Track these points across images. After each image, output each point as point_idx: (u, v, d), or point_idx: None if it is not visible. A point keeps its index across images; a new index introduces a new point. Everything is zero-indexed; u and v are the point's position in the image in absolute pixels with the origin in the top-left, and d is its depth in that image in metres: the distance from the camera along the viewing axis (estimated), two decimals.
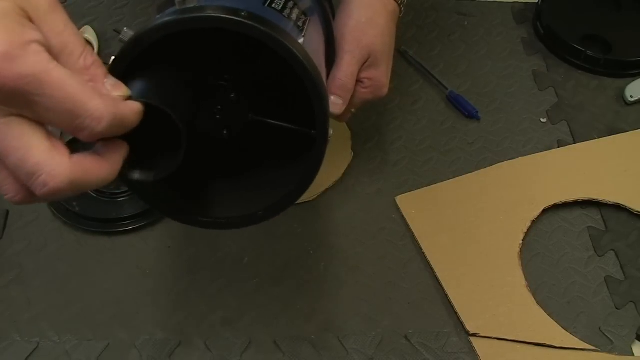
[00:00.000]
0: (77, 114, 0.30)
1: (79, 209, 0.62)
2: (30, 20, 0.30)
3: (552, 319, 0.59)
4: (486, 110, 0.76)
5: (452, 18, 0.87)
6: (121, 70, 0.35)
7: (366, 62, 0.56)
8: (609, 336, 0.58)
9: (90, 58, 0.33)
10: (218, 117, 0.42)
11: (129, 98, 0.34)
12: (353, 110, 0.59)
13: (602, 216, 0.67)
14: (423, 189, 0.68)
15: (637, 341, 0.59)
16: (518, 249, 0.63)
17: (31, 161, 0.30)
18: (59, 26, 0.32)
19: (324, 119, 0.40)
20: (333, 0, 0.56)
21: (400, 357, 0.56)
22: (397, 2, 0.59)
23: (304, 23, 0.44)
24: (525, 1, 0.89)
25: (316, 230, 0.65)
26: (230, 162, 0.45)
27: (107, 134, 0.32)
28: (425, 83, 0.79)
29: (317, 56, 0.46)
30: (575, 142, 0.73)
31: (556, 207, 0.67)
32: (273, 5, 0.42)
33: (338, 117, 0.59)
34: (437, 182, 0.69)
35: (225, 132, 0.43)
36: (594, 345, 0.57)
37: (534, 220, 0.65)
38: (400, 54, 0.81)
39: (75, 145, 0.33)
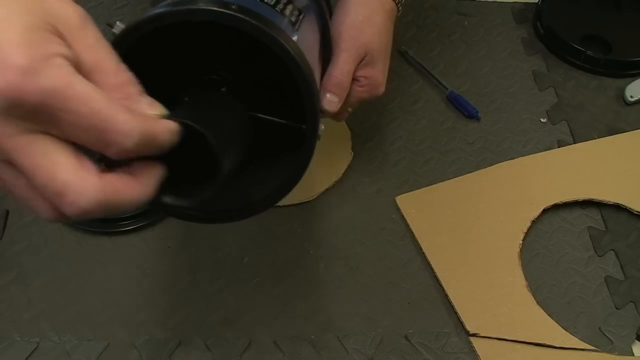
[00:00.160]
0: (104, 129, 0.29)
1: None
2: (61, 36, 0.29)
3: (552, 319, 0.59)
4: (486, 110, 0.76)
5: (452, 18, 0.87)
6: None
7: (363, 61, 0.56)
8: (609, 336, 0.58)
9: (124, 75, 0.32)
10: None
11: (167, 117, 0.32)
12: (350, 109, 0.59)
13: (602, 216, 0.67)
14: (423, 189, 0.68)
15: (637, 341, 0.59)
16: (518, 249, 0.63)
17: (58, 180, 0.29)
18: (90, 42, 0.31)
19: (313, 113, 0.40)
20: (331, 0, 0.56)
21: (400, 357, 0.56)
22: (395, 1, 0.59)
23: (297, 19, 0.44)
24: (525, 1, 0.89)
25: (316, 230, 0.65)
26: None
27: (138, 151, 0.31)
28: (425, 83, 0.79)
29: (311, 53, 0.46)
30: (575, 142, 0.73)
31: (556, 207, 0.67)
32: (266, 0, 0.42)
33: (335, 116, 0.59)
34: (437, 182, 0.69)
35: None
36: (594, 345, 0.57)
37: (534, 220, 0.65)
38: (400, 54, 0.81)
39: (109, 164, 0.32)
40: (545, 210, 0.66)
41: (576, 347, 0.57)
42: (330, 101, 0.53)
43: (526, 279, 0.61)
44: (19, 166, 0.30)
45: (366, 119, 0.74)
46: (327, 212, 0.66)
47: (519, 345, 0.57)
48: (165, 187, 0.34)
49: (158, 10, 0.36)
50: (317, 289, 0.61)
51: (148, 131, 0.30)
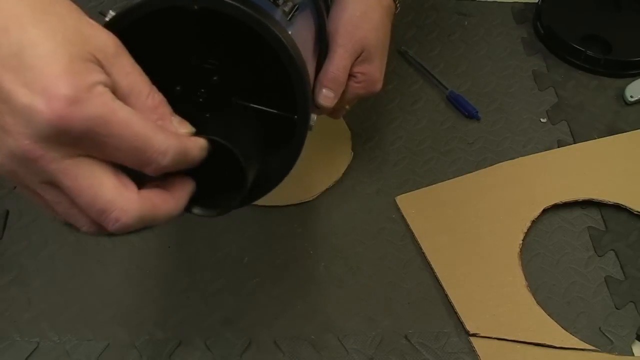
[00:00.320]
0: (144, 150, 0.32)
1: None
2: (99, 63, 0.31)
3: (552, 319, 0.59)
4: (486, 110, 0.76)
5: (452, 18, 0.87)
6: None
7: (359, 57, 0.56)
8: (609, 336, 0.58)
9: (157, 97, 0.34)
10: (201, 100, 0.42)
11: (195, 134, 0.35)
12: (347, 106, 0.59)
13: (602, 216, 0.67)
14: (423, 189, 0.68)
15: (637, 341, 0.59)
16: (518, 249, 0.63)
17: (102, 199, 0.32)
18: (127, 68, 0.33)
19: (304, 103, 0.40)
20: None
21: (400, 357, 0.56)
22: None
23: (291, 10, 0.44)
24: (525, 1, 0.89)
25: (316, 230, 0.65)
26: None
27: (172, 167, 0.33)
28: (425, 83, 0.79)
29: (305, 47, 0.46)
30: (575, 142, 0.73)
31: (556, 207, 0.67)
32: None
33: (331, 113, 0.59)
34: (437, 182, 0.69)
35: (208, 115, 0.42)
36: (594, 345, 0.57)
37: (534, 220, 0.65)
38: (400, 54, 0.81)
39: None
40: (545, 210, 0.66)
41: (576, 347, 0.57)
42: (326, 96, 0.53)
43: (526, 279, 0.61)
44: (63, 187, 0.32)
45: (366, 119, 0.74)
46: (327, 212, 0.66)
47: (519, 345, 0.57)
48: (196, 200, 0.37)
49: None
50: (317, 289, 0.61)
51: (181, 148, 0.33)
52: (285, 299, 0.60)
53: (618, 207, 0.67)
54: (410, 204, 0.67)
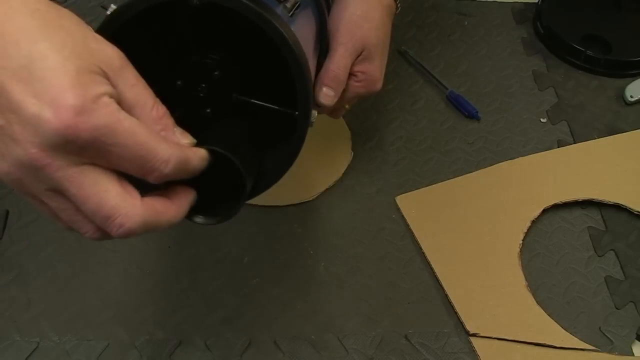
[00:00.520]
0: (147, 159, 0.33)
1: None
2: (106, 76, 0.32)
3: (552, 319, 0.59)
4: (486, 110, 0.76)
5: (452, 18, 0.87)
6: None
7: (360, 56, 0.56)
8: (609, 336, 0.58)
9: (161, 109, 0.35)
10: (202, 95, 0.42)
11: (196, 145, 0.36)
12: (347, 106, 0.59)
13: (602, 216, 0.67)
14: (423, 189, 0.68)
15: (637, 341, 0.59)
16: (518, 249, 0.63)
17: (107, 206, 0.33)
18: (131, 80, 0.34)
19: (305, 98, 0.41)
20: None
21: (400, 357, 0.56)
22: None
23: (293, 6, 0.44)
24: (525, 1, 0.89)
25: (316, 230, 0.65)
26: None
27: (174, 176, 0.34)
28: (425, 83, 0.79)
29: (306, 45, 0.46)
30: (575, 142, 0.73)
31: (556, 207, 0.67)
32: None
33: (332, 113, 0.59)
34: (437, 182, 0.69)
35: (208, 110, 0.43)
36: (594, 345, 0.57)
37: (534, 220, 0.65)
38: (400, 54, 0.81)
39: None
40: (545, 210, 0.66)
41: (576, 347, 0.57)
42: (327, 95, 0.54)
43: (526, 279, 0.61)
44: (68, 195, 0.33)
45: (366, 119, 0.74)
46: (327, 212, 0.66)
47: (519, 345, 0.57)
48: (197, 208, 0.38)
49: None
50: (317, 289, 0.61)
51: (183, 158, 0.34)
52: (285, 299, 0.60)
53: (618, 207, 0.67)
54: (410, 204, 0.67)
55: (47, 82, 0.30)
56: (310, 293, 0.60)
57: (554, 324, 0.58)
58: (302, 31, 0.46)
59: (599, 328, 0.59)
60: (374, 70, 0.57)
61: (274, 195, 0.65)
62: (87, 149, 0.31)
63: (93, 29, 0.35)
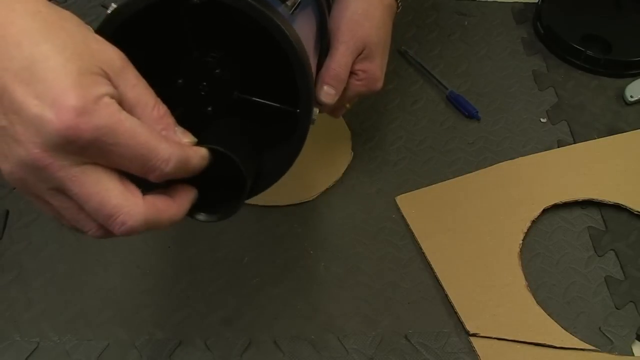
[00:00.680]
0: (148, 158, 0.33)
1: None
2: (107, 76, 0.33)
3: (552, 319, 0.59)
4: (486, 110, 0.76)
5: (452, 18, 0.87)
6: (105, 38, 0.36)
7: (361, 55, 0.56)
8: (609, 336, 0.58)
9: (162, 109, 0.35)
10: (203, 93, 0.42)
11: (196, 144, 0.37)
12: (348, 105, 0.59)
13: (602, 216, 0.67)
14: (423, 189, 0.68)
15: (637, 341, 0.59)
16: (518, 249, 0.63)
17: (109, 204, 0.33)
18: (132, 81, 0.34)
19: (307, 95, 0.41)
20: None
21: (400, 357, 0.56)
22: None
23: (293, 4, 0.45)
24: (525, 1, 0.89)
25: (316, 230, 0.65)
26: None
27: (175, 174, 0.35)
28: (425, 83, 0.79)
29: (306, 44, 0.46)
30: (575, 142, 0.73)
31: (556, 207, 0.67)
32: None
33: (332, 112, 0.59)
34: (437, 182, 0.69)
35: (209, 108, 0.43)
36: (594, 345, 0.57)
37: (534, 220, 0.65)
38: (400, 54, 0.81)
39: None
40: (545, 210, 0.66)
41: (576, 347, 0.57)
42: (327, 93, 0.54)
43: (526, 279, 0.61)
44: (71, 194, 0.33)
45: (366, 119, 0.74)
46: (327, 212, 0.66)
47: (519, 345, 0.57)
48: (198, 206, 0.38)
49: None
50: (317, 289, 0.61)
51: (183, 157, 0.35)
52: (285, 299, 0.60)
53: (618, 207, 0.67)
54: (410, 204, 0.67)
55: (48, 83, 0.31)
56: (310, 293, 0.60)
57: (554, 324, 0.58)
58: (303, 30, 0.46)
59: (599, 328, 0.59)
60: (375, 69, 0.58)
61: (274, 195, 0.65)
62: (89, 148, 0.32)
63: (93, 29, 0.35)
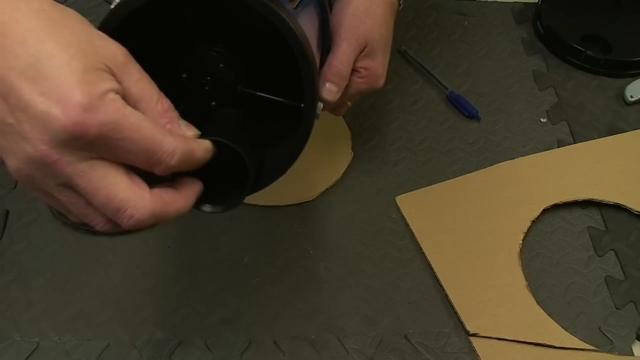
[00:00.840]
0: (153, 151, 0.34)
1: None
2: (111, 72, 0.33)
3: (552, 319, 0.59)
4: (486, 110, 0.76)
5: (452, 18, 0.87)
6: (107, 34, 0.36)
7: (362, 52, 0.56)
8: (609, 336, 0.58)
9: (165, 103, 0.36)
10: (207, 88, 0.42)
11: (200, 137, 0.37)
12: (349, 103, 0.59)
13: (602, 216, 0.67)
14: (423, 189, 0.68)
15: (637, 341, 0.59)
16: (518, 249, 0.63)
17: (117, 198, 0.34)
18: (136, 76, 0.34)
19: (312, 89, 0.41)
20: None
21: (400, 357, 0.56)
22: None
23: (294, 2, 0.45)
24: (525, 1, 0.89)
25: (316, 230, 0.65)
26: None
27: (180, 167, 0.35)
28: (425, 83, 0.79)
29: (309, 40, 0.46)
30: (575, 142, 0.73)
31: (556, 207, 0.67)
32: None
33: (334, 110, 0.59)
34: (437, 182, 0.69)
35: (213, 103, 0.43)
36: (594, 345, 0.57)
37: (534, 220, 0.65)
38: (400, 54, 0.81)
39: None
40: (545, 210, 0.66)
41: (576, 347, 0.57)
42: (330, 90, 0.54)
43: (526, 279, 0.61)
44: (79, 189, 0.34)
45: (366, 119, 0.74)
46: (327, 212, 0.66)
47: (519, 345, 0.57)
48: (203, 198, 0.39)
49: None
50: (317, 289, 0.61)
51: (188, 150, 0.35)
52: (285, 299, 0.60)
53: (618, 207, 0.67)
54: (410, 204, 0.67)
55: (54, 80, 0.31)
56: (310, 293, 0.60)
57: (554, 324, 0.58)
58: (305, 27, 0.46)
59: (599, 328, 0.59)
60: (377, 67, 0.58)
61: (274, 195, 0.65)
62: (95, 144, 0.32)
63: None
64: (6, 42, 0.32)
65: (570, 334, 0.58)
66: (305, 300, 0.60)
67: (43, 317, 0.57)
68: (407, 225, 0.65)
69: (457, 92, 0.77)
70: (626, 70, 0.81)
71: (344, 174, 0.69)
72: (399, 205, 0.67)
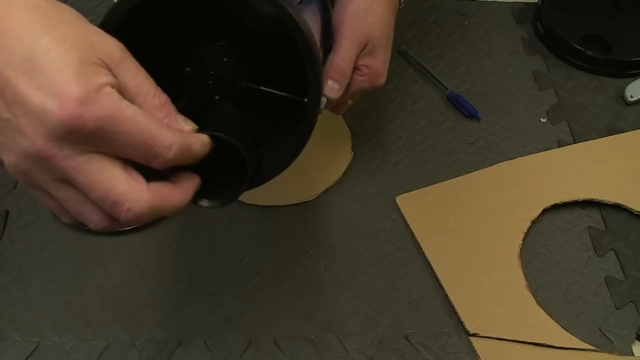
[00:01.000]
0: (150, 145, 0.34)
1: None
2: (107, 67, 0.33)
3: (552, 319, 0.59)
4: (486, 110, 0.76)
5: (452, 18, 0.87)
6: (111, 28, 0.36)
7: (364, 50, 0.56)
8: (609, 336, 0.58)
9: (162, 97, 0.36)
10: (210, 82, 0.42)
11: (197, 131, 0.37)
12: (350, 101, 0.59)
13: (602, 216, 0.67)
14: (423, 189, 0.68)
15: (637, 341, 0.59)
16: (518, 249, 0.63)
17: (115, 191, 0.34)
18: (132, 70, 0.34)
19: (316, 82, 0.41)
20: None
21: (400, 357, 0.56)
22: None
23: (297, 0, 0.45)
24: (525, 1, 0.89)
25: (316, 230, 0.65)
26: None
27: (177, 161, 0.35)
28: (425, 83, 0.79)
29: None
30: (575, 142, 0.73)
31: (556, 207, 0.67)
32: None
33: (335, 108, 0.59)
34: (437, 182, 0.69)
35: (217, 97, 0.43)
36: (594, 345, 0.57)
37: (534, 220, 0.65)
38: (400, 54, 0.81)
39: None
40: (545, 210, 0.66)
41: (576, 347, 0.57)
42: (332, 88, 0.54)
43: (526, 279, 0.61)
44: (76, 183, 0.34)
45: (366, 119, 0.74)
46: (327, 212, 0.66)
47: (519, 345, 0.57)
48: (201, 192, 0.39)
49: None
50: (317, 289, 0.61)
51: (185, 144, 0.35)
52: (285, 299, 0.60)
53: (618, 207, 0.67)
54: (410, 204, 0.67)
55: (50, 74, 0.31)
56: (310, 293, 0.60)
57: (554, 324, 0.58)
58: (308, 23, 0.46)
59: (599, 328, 0.59)
60: (378, 65, 0.58)
61: (274, 195, 0.65)
62: (92, 137, 0.32)
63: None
64: (1, 38, 0.32)
65: (570, 334, 0.58)
66: (305, 300, 0.60)
67: (43, 317, 0.57)
68: (407, 225, 0.65)
69: (457, 92, 0.77)
70: (626, 70, 0.81)
71: (344, 174, 0.69)
72: (399, 205, 0.67)
